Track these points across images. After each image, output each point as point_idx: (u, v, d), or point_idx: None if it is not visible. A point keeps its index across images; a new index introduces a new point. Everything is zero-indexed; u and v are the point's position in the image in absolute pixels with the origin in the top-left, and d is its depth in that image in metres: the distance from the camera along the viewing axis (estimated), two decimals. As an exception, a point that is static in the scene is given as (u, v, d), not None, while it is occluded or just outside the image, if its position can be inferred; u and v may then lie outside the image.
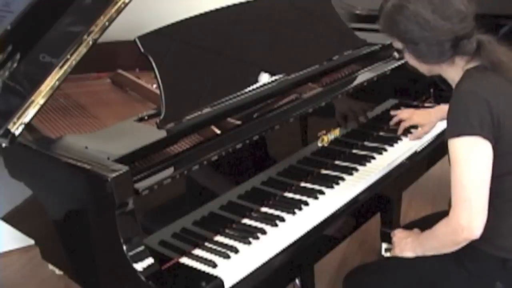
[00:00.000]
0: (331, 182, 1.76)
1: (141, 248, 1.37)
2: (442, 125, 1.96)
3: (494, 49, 1.51)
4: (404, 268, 1.58)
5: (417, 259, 1.57)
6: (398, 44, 1.58)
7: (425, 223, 1.79)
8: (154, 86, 1.92)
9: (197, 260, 1.46)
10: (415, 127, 2.05)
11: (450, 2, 1.48)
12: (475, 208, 1.40)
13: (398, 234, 1.67)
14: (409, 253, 1.59)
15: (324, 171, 1.85)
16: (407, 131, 2.05)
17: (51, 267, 1.94)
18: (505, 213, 1.50)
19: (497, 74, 1.50)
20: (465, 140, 1.41)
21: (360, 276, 1.70)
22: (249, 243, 1.51)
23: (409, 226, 1.81)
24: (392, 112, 2.08)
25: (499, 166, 1.44)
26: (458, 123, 1.44)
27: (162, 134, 1.55)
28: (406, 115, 2.04)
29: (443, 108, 1.93)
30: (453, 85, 1.57)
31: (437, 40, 1.48)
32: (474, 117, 1.41)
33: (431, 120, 1.99)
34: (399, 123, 2.04)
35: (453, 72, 1.56)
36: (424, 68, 1.60)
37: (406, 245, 1.61)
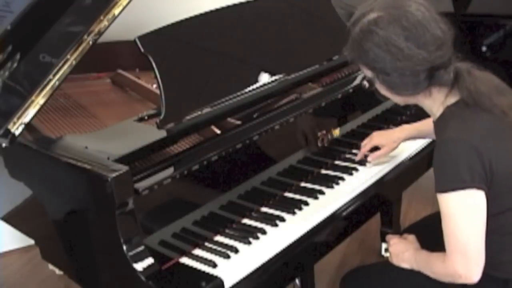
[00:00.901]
0: (331, 182, 1.76)
1: (141, 248, 1.37)
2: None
3: (473, 80, 1.38)
4: (402, 272, 1.56)
5: None
6: (367, 73, 1.44)
7: (426, 224, 1.78)
8: (154, 86, 1.92)
9: (197, 260, 1.46)
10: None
11: (425, 27, 1.33)
12: (472, 257, 1.34)
13: (395, 246, 1.60)
14: (406, 266, 1.54)
15: (324, 171, 1.85)
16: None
17: (51, 267, 1.94)
18: (505, 246, 1.44)
19: (479, 109, 1.37)
20: (456, 194, 1.32)
21: (357, 278, 1.69)
22: (249, 243, 1.51)
23: (409, 230, 1.80)
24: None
25: (495, 206, 1.36)
26: (447, 177, 1.34)
27: (162, 134, 1.55)
28: (366, 140, 1.88)
29: (406, 128, 1.87)
30: (432, 115, 1.49)
31: (411, 70, 1.34)
32: (464, 169, 1.31)
33: (393, 141, 1.85)
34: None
35: (430, 104, 1.45)
36: (397, 99, 1.47)
37: (403, 260, 1.55)
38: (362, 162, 1.87)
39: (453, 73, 1.37)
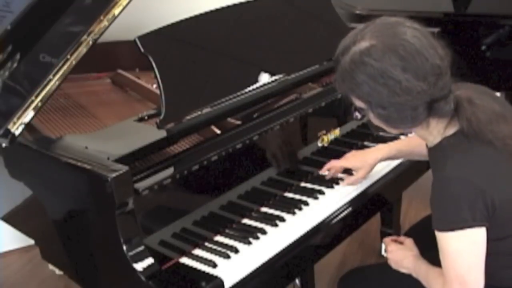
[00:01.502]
0: (331, 182, 1.76)
1: (141, 248, 1.37)
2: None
3: (474, 110, 1.28)
4: (400, 273, 1.55)
5: None
6: (360, 104, 1.32)
7: (426, 224, 1.77)
8: (154, 86, 1.92)
9: (197, 260, 1.46)
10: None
11: (424, 56, 1.21)
12: (471, 286, 1.30)
13: (393, 254, 1.57)
14: (405, 271, 1.53)
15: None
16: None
17: (51, 267, 1.94)
18: (505, 264, 1.40)
19: (480, 141, 1.28)
20: (457, 234, 1.27)
21: (355, 279, 1.69)
22: (249, 243, 1.51)
23: (410, 232, 1.80)
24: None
25: (496, 233, 1.31)
26: (448, 217, 1.28)
27: (162, 134, 1.55)
28: (337, 161, 1.78)
29: (384, 147, 1.77)
30: (426, 142, 1.42)
31: (411, 104, 1.23)
32: (465, 209, 1.25)
33: (370, 164, 1.73)
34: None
35: (426, 134, 1.37)
36: (392, 131, 1.38)
37: (402, 267, 1.53)
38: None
39: (453, 103, 1.28)
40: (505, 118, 1.33)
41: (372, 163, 1.73)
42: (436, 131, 1.34)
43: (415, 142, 1.70)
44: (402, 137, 1.88)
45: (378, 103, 1.26)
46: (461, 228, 1.26)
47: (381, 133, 2.07)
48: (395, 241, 1.64)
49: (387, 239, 1.65)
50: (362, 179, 1.73)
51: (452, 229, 1.27)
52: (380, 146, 1.78)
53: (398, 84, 1.21)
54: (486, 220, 1.27)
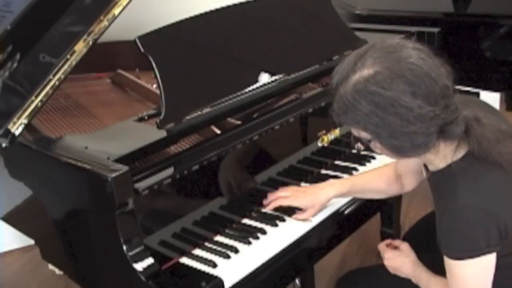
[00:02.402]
0: (331, 182, 1.76)
1: (141, 248, 1.37)
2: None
3: (482, 130, 1.22)
4: (399, 276, 1.56)
5: None
6: (364, 135, 1.23)
7: (424, 226, 1.77)
8: (154, 86, 1.92)
9: (197, 260, 1.46)
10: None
11: (432, 78, 1.14)
12: None
13: (391, 262, 1.55)
14: (404, 277, 1.52)
15: (324, 171, 1.85)
16: None
17: (51, 267, 1.94)
18: (506, 275, 1.36)
19: (489, 163, 1.23)
20: (470, 262, 1.24)
21: (353, 281, 1.69)
22: (249, 243, 1.51)
23: (408, 235, 1.80)
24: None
25: (505, 249, 1.28)
26: (462, 245, 1.24)
27: (162, 134, 1.55)
28: (284, 193, 1.63)
29: (334, 183, 1.65)
30: (430, 165, 1.34)
31: (425, 131, 1.15)
32: (480, 237, 1.21)
33: (319, 202, 1.59)
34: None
35: (433, 158, 1.30)
36: (398, 159, 1.32)
37: (401, 273, 1.53)
38: (362, 162, 1.86)
39: (463, 124, 1.21)
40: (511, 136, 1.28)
41: (323, 202, 1.60)
42: (444, 154, 1.27)
43: (371, 176, 1.68)
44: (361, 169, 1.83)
45: (390, 134, 1.16)
46: (476, 256, 1.23)
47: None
48: (390, 245, 1.62)
49: (382, 246, 1.63)
50: (312, 216, 1.60)
51: (465, 257, 1.24)
52: (333, 182, 1.66)
53: (410, 112, 1.13)
54: (499, 244, 1.25)
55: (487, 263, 1.26)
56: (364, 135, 1.23)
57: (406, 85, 1.13)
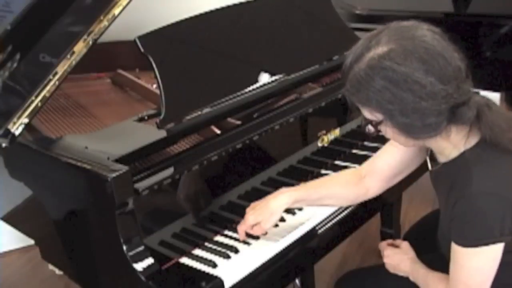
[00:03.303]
0: (331, 182, 1.76)
1: (141, 248, 1.37)
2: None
3: (495, 117, 1.23)
4: (397, 276, 1.55)
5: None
6: (375, 116, 1.23)
7: (424, 226, 1.77)
8: (154, 86, 1.92)
9: (197, 260, 1.46)
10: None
11: (445, 58, 1.16)
12: None
13: (390, 258, 1.55)
14: (403, 275, 1.52)
15: (324, 171, 1.85)
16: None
17: (51, 267, 1.94)
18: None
19: (501, 150, 1.23)
20: (481, 250, 1.24)
21: (352, 281, 1.69)
22: (249, 243, 1.51)
23: (408, 235, 1.80)
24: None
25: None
26: (475, 233, 1.23)
27: (162, 134, 1.55)
28: (243, 225, 1.49)
29: (286, 191, 1.50)
30: (440, 156, 1.34)
31: (436, 110, 1.16)
32: (495, 224, 1.21)
33: (271, 213, 1.46)
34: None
35: (445, 145, 1.29)
36: (408, 143, 1.29)
37: (400, 271, 1.53)
38: (362, 162, 1.86)
39: (475, 109, 1.21)
40: None
41: (275, 211, 1.46)
42: (456, 142, 1.27)
43: (326, 180, 1.61)
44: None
45: (401, 110, 1.17)
46: (488, 243, 1.23)
47: (381, 133, 2.07)
48: (392, 245, 1.62)
49: (383, 244, 1.63)
50: (270, 226, 1.48)
51: (477, 245, 1.24)
52: (284, 189, 1.51)
53: (423, 88, 1.14)
54: (511, 234, 1.24)
55: (496, 254, 1.25)
56: (375, 116, 1.23)
57: (420, 63, 1.14)
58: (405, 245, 1.58)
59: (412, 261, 1.51)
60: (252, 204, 1.51)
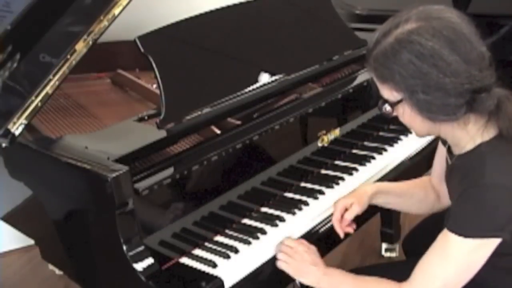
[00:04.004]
0: (331, 182, 1.76)
1: (141, 248, 1.37)
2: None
3: None
4: (397, 276, 1.54)
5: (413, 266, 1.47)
6: (393, 95, 1.25)
7: (425, 229, 1.76)
8: (154, 86, 1.92)
9: (197, 260, 1.46)
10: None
11: (471, 42, 1.18)
12: None
13: (301, 255, 1.43)
14: (308, 281, 1.42)
15: (324, 171, 1.85)
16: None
17: (51, 267, 1.95)
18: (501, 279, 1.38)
19: None
20: (478, 241, 1.22)
21: None
22: (249, 243, 1.51)
23: (410, 237, 1.79)
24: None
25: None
26: (478, 223, 1.21)
27: (162, 134, 1.55)
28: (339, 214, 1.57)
29: (374, 186, 1.62)
30: (454, 147, 1.34)
31: (457, 89, 1.16)
32: (502, 218, 1.20)
33: (363, 200, 1.57)
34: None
35: (461, 135, 1.28)
36: (423, 127, 1.28)
37: (309, 274, 1.42)
38: (362, 162, 1.87)
39: (496, 99, 1.21)
40: None
41: (363, 196, 1.57)
42: (473, 131, 1.26)
43: (407, 182, 1.66)
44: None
45: (423, 86, 1.18)
46: (489, 236, 1.21)
47: (380, 133, 2.08)
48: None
49: (289, 240, 1.49)
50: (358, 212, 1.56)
51: (478, 236, 1.22)
52: (370, 183, 1.66)
53: (448, 66, 1.15)
54: (511, 233, 1.23)
55: (488, 249, 1.23)
56: (394, 95, 1.25)
57: (447, 41, 1.16)
58: (314, 249, 1.48)
59: (327, 268, 1.44)
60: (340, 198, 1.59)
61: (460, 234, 1.23)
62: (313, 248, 1.47)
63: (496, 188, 1.20)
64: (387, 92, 1.27)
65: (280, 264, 1.45)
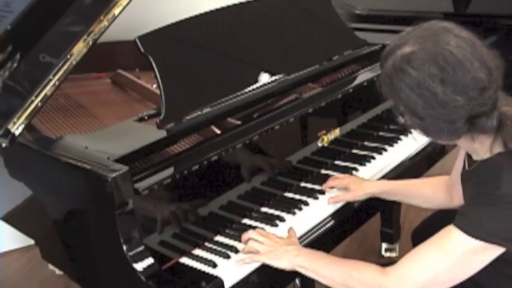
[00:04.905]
0: (331, 182, 1.76)
1: (141, 248, 1.37)
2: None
3: None
4: None
5: None
6: (400, 108, 1.27)
7: (430, 226, 1.76)
8: (154, 86, 1.92)
9: (197, 260, 1.46)
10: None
11: (466, 68, 1.15)
12: None
13: (274, 237, 1.45)
14: (283, 263, 1.41)
15: (324, 171, 1.85)
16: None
17: (51, 267, 1.95)
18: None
19: None
20: (481, 244, 1.20)
21: None
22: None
23: (414, 237, 1.79)
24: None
25: None
26: (485, 226, 1.20)
27: (162, 134, 1.55)
28: (341, 175, 1.75)
29: (384, 184, 1.72)
30: (472, 154, 1.34)
31: (446, 118, 1.18)
32: (510, 230, 1.20)
33: (362, 190, 1.68)
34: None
35: (477, 147, 1.28)
36: (435, 139, 1.32)
37: (282, 255, 1.41)
38: (362, 162, 1.87)
39: (496, 120, 1.20)
40: None
41: (364, 194, 1.68)
42: (485, 144, 1.26)
43: (417, 181, 1.69)
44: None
45: (415, 113, 1.21)
46: (491, 242, 1.20)
47: (380, 133, 2.08)
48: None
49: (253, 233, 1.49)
50: (346, 200, 1.68)
51: (481, 238, 1.20)
52: (383, 182, 1.73)
53: (434, 96, 1.16)
54: None
55: (486, 257, 1.22)
56: (400, 108, 1.27)
57: (437, 70, 1.15)
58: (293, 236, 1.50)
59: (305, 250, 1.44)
60: (354, 178, 1.72)
61: (465, 231, 1.22)
62: (292, 234, 1.50)
63: (510, 202, 1.19)
64: (395, 105, 1.29)
65: (253, 244, 1.44)
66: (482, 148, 1.27)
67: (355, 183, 1.70)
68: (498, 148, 1.25)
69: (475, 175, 1.30)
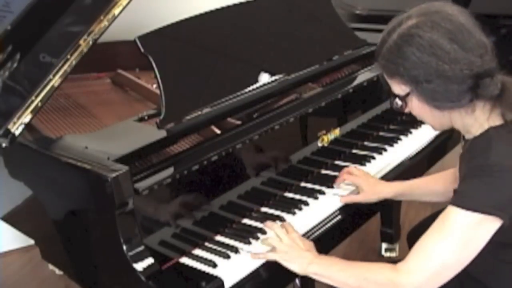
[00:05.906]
0: (331, 182, 1.76)
1: (141, 248, 1.37)
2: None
3: None
4: None
5: None
6: (401, 88, 1.32)
7: (428, 226, 1.77)
8: (154, 86, 1.92)
9: (197, 260, 1.46)
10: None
11: (470, 32, 1.25)
12: (439, 283, 1.26)
13: (294, 239, 1.44)
14: (295, 267, 1.42)
15: (324, 171, 1.85)
16: (406, 130, 2.04)
17: (51, 267, 1.94)
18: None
19: None
20: (477, 217, 1.22)
21: None
22: (249, 243, 1.51)
23: (411, 235, 1.79)
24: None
25: None
26: (479, 197, 1.23)
27: (162, 134, 1.55)
28: (355, 172, 1.74)
29: (396, 185, 1.70)
30: (466, 134, 1.36)
31: (458, 75, 1.22)
32: (503, 197, 1.22)
33: (374, 193, 1.68)
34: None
35: (471, 122, 1.32)
36: (434, 118, 1.34)
37: (297, 258, 1.42)
38: (362, 162, 1.87)
39: (499, 83, 1.26)
40: None
41: (376, 196, 1.68)
42: (480, 119, 1.30)
43: (429, 178, 1.69)
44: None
45: (425, 76, 1.25)
46: (488, 213, 1.22)
47: (380, 133, 2.08)
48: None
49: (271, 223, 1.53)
50: (358, 201, 1.69)
51: (478, 210, 1.22)
52: (395, 184, 1.71)
53: (446, 54, 1.23)
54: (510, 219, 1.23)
55: (485, 231, 1.23)
56: (402, 89, 1.32)
57: (445, 32, 1.24)
58: (308, 241, 1.49)
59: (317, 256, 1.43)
60: (367, 175, 1.73)
61: (461, 206, 1.24)
62: (308, 242, 1.48)
63: (503, 171, 1.23)
64: (397, 87, 1.34)
65: (271, 240, 1.45)
66: (477, 123, 1.31)
67: (368, 184, 1.69)
68: (495, 121, 1.29)
69: (468, 152, 1.33)
